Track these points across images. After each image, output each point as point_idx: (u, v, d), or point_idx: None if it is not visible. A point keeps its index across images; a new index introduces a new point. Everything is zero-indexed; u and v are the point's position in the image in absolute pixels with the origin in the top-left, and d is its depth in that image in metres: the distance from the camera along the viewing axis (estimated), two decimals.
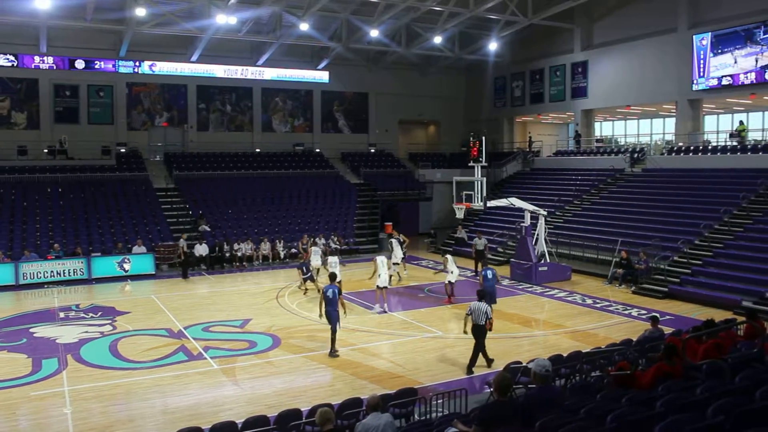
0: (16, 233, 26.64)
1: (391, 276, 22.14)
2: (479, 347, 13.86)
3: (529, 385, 9.60)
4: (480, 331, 13.80)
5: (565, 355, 12.20)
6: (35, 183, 30.21)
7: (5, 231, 26.46)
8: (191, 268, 26.37)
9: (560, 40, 37.61)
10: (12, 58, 31.85)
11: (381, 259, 20.08)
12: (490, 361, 13.95)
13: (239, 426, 8.94)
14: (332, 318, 15.04)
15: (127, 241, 26.94)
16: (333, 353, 14.95)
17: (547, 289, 22.79)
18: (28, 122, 33.60)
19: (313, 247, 25.70)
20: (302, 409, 9.52)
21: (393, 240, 25.03)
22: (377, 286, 19.63)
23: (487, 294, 17.29)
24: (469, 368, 13.74)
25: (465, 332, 14.04)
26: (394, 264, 23.81)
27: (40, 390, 12.85)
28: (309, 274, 22.49)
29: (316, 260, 24.08)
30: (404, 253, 25.37)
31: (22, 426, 11.39)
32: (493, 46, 37.17)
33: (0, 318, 19.10)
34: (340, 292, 15.62)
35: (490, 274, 19.01)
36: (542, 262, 24.45)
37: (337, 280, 17.87)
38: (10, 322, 18.52)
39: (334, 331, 15.06)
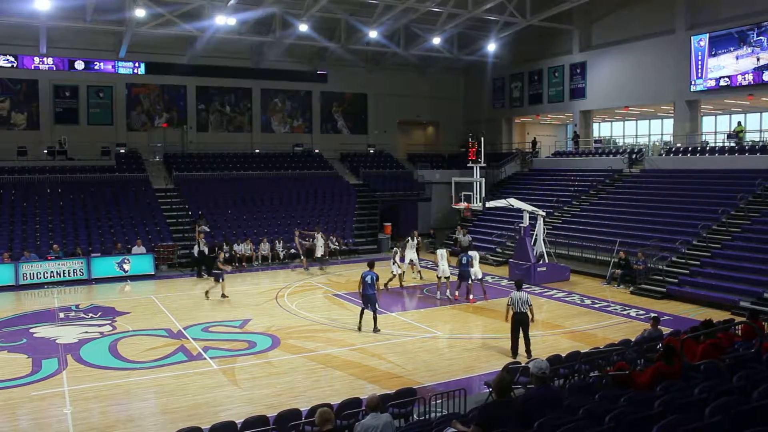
0: (16, 234, 26.65)
1: (398, 274, 23.31)
2: (526, 335, 14.59)
3: (528, 386, 9.64)
4: (523, 319, 14.49)
5: (563, 355, 12.26)
6: (35, 184, 30.23)
7: (5, 231, 26.46)
8: (191, 269, 26.58)
9: (559, 41, 37.71)
10: (12, 58, 31.90)
11: (441, 252, 21.85)
12: (516, 353, 14.54)
13: (239, 426, 8.98)
14: (371, 300, 16.97)
15: (127, 241, 26.96)
16: (375, 329, 16.91)
17: (546, 290, 22.83)
18: (28, 123, 33.63)
19: (317, 234, 27.35)
20: (302, 410, 9.56)
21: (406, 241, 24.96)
22: (437, 276, 21.66)
23: (462, 275, 20.52)
24: (529, 352, 14.38)
25: (506, 320, 14.85)
26: (409, 263, 24.51)
27: (40, 390, 12.86)
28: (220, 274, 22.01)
29: (320, 249, 27.19)
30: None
31: (23, 426, 11.42)
32: (491, 47, 37.23)
33: (0, 318, 19.12)
34: (377, 278, 17.24)
35: (465, 259, 20.79)
36: (541, 262, 24.51)
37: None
38: (10, 323, 18.54)
39: (375, 311, 17.06)
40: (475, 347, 15.79)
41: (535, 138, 41.28)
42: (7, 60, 31.83)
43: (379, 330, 16.91)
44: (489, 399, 9.80)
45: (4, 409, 11.97)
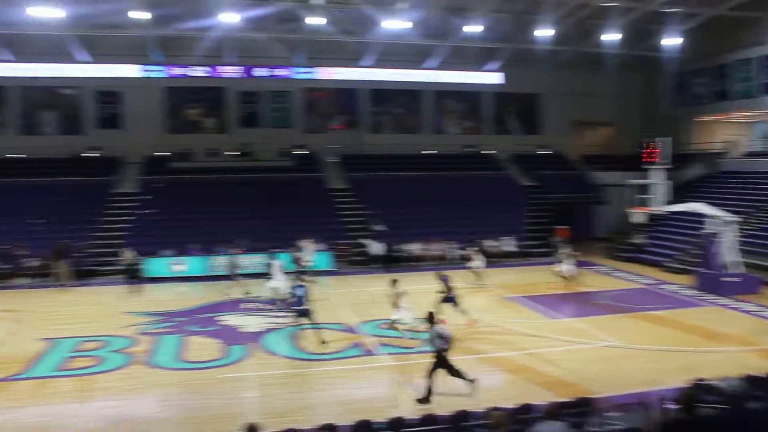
0: (207, 228, 28.69)
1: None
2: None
3: (718, 406, 8.95)
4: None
5: (761, 375, 11.18)
6: (222, 183, 32.78)
7: (199, 226, 28.78)
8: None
9: (748, 31, 34.40)
10: (208, 69, 34.87)
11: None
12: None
13: (407, 422, 9.17)
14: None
15: (302, 238, 28.05)
16: None
17: (736, 302, 21.03)
18: (217, 127, 36.59)
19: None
20: (471, 411, 9.55)
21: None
22: None
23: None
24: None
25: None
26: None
27: (227, 374, 13.99)
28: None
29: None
30: None
31: (211, 403, 12.39)
32: (671, 41, 34.89)
33: (193, 306, 21.04)
34: None
35: None
36: (730, 272, 22.65)
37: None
38: (202, 310, 20.26)
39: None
40: (656, 359, 14.90)
41: (733, 138, 38.11)
42: (204, 70, 34.84)
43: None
44: (673, 416, 9.21)
45: (199, 387, 13.15)
